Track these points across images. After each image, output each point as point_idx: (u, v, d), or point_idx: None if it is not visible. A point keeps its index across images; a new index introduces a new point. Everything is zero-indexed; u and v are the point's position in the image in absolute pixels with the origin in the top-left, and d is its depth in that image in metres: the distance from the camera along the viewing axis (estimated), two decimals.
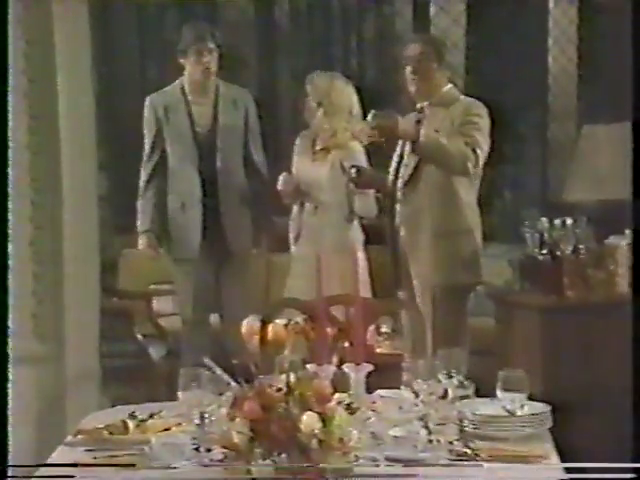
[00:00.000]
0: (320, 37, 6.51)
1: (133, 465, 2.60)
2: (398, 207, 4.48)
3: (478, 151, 4.33)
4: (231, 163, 5.13)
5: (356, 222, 5.05)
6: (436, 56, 4.45)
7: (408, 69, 4.46)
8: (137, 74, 6.43)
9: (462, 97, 4.50)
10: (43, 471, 2.60)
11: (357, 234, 5.05)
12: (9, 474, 2.66)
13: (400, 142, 4.51)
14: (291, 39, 6.46)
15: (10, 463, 3.03)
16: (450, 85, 4.51)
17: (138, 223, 5.18)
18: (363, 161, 4.91)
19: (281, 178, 5.01)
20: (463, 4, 6.48)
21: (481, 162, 4.37)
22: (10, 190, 3.65)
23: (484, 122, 4.40)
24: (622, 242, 4.69)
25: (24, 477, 2.63)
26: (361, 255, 4.93)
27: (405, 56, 4.52)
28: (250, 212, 5.18)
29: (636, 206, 3.41)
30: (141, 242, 5.20)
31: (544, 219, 4.96)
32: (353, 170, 4.48)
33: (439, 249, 4.37)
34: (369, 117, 4.35)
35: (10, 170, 3.64)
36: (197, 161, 5.10)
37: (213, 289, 5.20)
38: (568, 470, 2.54)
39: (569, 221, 4.88)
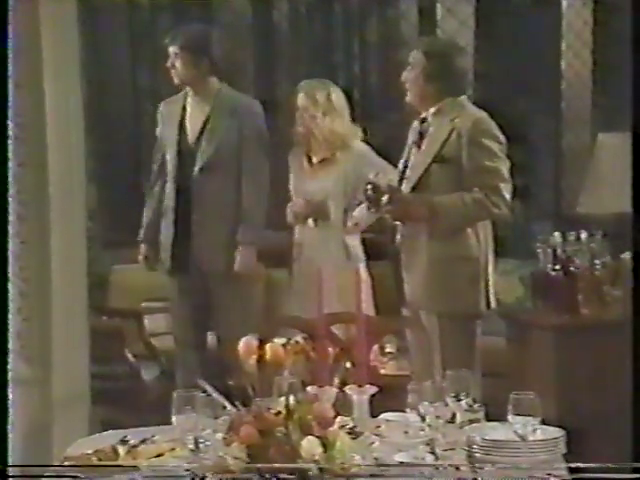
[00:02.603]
0: (321, 41, 6.52)
1: (135, 466, 2.61)
2: (398, 225, 4.43)
3: (505, 192, 4.22)
4: (212, 174, 5.07)
5: (357, 236, 5.07)
6: (441, 62, 4.37)
7: (411, 75, 4.40)
8: (128, 80, 6.44)
9: (469, 107, 4.37)
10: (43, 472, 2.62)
11: (359, 249, 5.07)
12: (9, 474, 2.68)
13: (406, 153, 4.48)
14: (290, 44, 6.48)
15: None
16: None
17: (140, 230, 5.24)
18: (377, 162, 4.95)
19: (299, 201, 5.03)
20: (471, 6, 6.50)
21: (509, 196, 4.25)
22: None
23: (500, 145, 4.29)
24: None
25: (24, 477, 2.65)
26: (363, 271, 4.95)
27: (409, 62, 4.43)
28: (228, 227, 5.12)
29: (637, 221, 3.41)
30: (140, 252, 5.24)
31: (557, 233, 4.97)
32: (369, 187, 4.38)
33: (437, 274, 4.29)
34: (384, 199, 4.27)
35: None
36: (174, 170, 5.12)
37: (204, 306, 5.20)
38: (570, 470, 2.58)
39: (584, 235, 4.89)
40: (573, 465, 2.60)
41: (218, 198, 5.10)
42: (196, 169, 5.07)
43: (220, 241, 5.09)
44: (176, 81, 5.12)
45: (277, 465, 2.51)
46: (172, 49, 5.07)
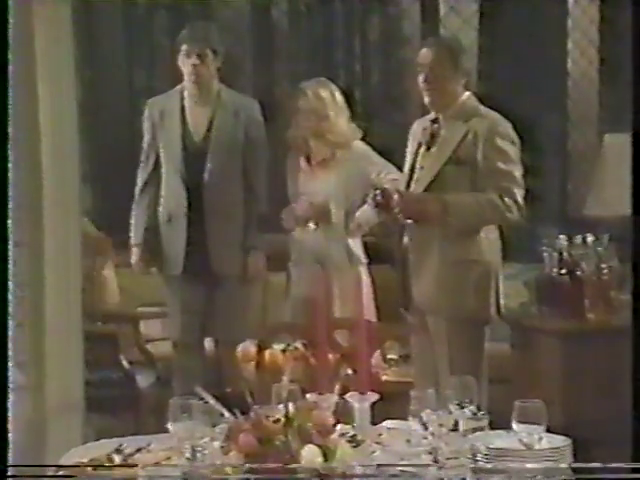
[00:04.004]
0: (321, 40, 6.52)
1: (135, 465, 2.61)
2: (407, 227, 4.43)
3: (518, 194, 4.24)
4: (222, 177, 5.10)
5: (359, 239, 5.07)
6: (451, 62, 4.35)
7: (421, 77, 4.38)
8: (124, 80, 6.44)
9: (482, 108, 4.39)
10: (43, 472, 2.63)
11: (360, 252, 5.07)
12: (9, 474, 2.69)
13: (411, 154, 4.48)
14: (290, 42, 6.48)
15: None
16: (467, 94, 4.44)
17: (131, 235, 5.21)
18: (379, 161, 4.94)
19: (302, 203, 5.02)
20: (475, 4, 6.50)
21: (522, 200, 4.27)
22: None
23: (515, 149, 4.30)
24: None
25: (24, 477, 2.66)
26: (365, 275, 4.95)
27: (417, 63, 4.44)
28: (240, 230, 5.16)
29: (637, 222, 3.42)
30: (133, 257, 5.23)
31: (563, 236, 4.97)
32: (377, 192, 4.38)
33: (448, 278, 4.29)
34: (395, 197, 4.28)
35: None
36: (183, 171, 5.12)
37: (205, 311, 5.20)
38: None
39: (590, 238, 4.89)
40: (573, 465, 2.61)
41: (229, 201, 5.12)
42: (207, 172, 5.08)
43: (234, 245, 5.12)
44: (192, 79, 5.09)
45: (271, 465, 2.51)
46: (195, 48, 5.05)
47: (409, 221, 4.34)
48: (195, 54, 5.05)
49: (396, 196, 4.27)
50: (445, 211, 4.23)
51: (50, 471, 2.75)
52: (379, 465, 2.64)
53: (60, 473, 2.85)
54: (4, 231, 3.73)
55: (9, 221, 3.89)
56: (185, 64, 5.08)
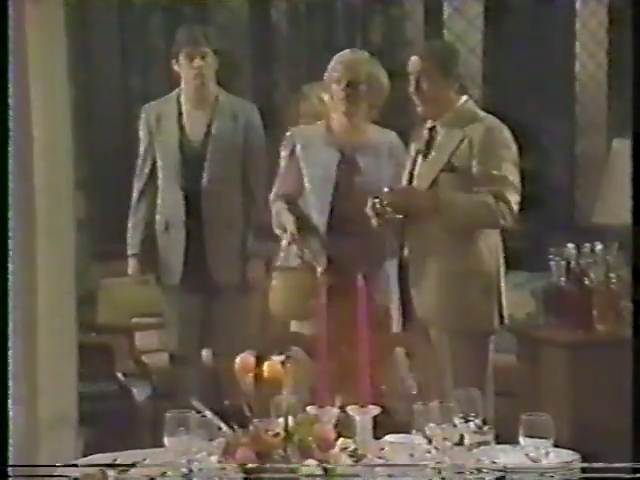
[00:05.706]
0: (322, 42, 6.53)
1: (134, 465, 2.61)
2: (407, 239, 4.43)
3: (511, 200, 4.21)
4: (221, 183, 5.13)
5: None
6: (441, 70, 4.35)
7: (411, 87, 4.40)
8: (119, 83, 6.45)
9: (481, 113, 4.41)
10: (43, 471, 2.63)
11: None
12: (9, 474, 2.71)
13: (410, 162, 4.49)
14: (289, 44, 6.48)
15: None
16: (464, 98, 4.44)
17: (128, 245, 5.21)
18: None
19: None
20: (480, 5, 6.51)
21: (517, 207, 4.24)
22: None
23: (512, 153, 4.29)
24: None
25: (24, 477, 2.66)
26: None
27: (407, 71, 4.46)
28: (239, 238, 5.17)
29: (637, 233, 3.43)
30: (131, 267, 5.23)
31: (571, 244, 4.98)
32: (376, 201, 4.34)
33: (449, 290, 4.29)
34: (385, 190, 4.27)
35: None
36: (181, 177, 5.13)
37: (203, 321, 5.21)
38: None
39: (599, 247, 4.90)
40: (573, 466, 2.62)
41: (228, 208, 5.13)
42: (205, 178, 5.09)
43: (233, 253, 5.14)
44: (196, 82, 5.10)
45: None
46: (198, 49, 5.06)
47: (399, 216, 4.31)
48: (199, 56, 5.06)
49: (386, 189, 4.27)
50: (436, 207, 4.23)
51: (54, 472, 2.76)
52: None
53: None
54: (4, 240, 3.74)
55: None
56: (186, 67, 5.09)
